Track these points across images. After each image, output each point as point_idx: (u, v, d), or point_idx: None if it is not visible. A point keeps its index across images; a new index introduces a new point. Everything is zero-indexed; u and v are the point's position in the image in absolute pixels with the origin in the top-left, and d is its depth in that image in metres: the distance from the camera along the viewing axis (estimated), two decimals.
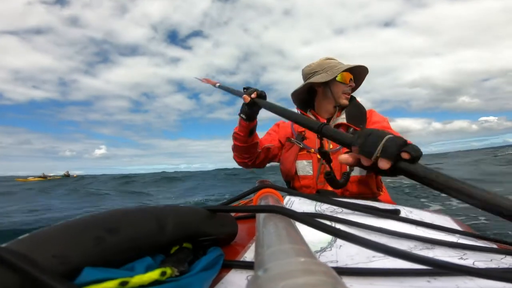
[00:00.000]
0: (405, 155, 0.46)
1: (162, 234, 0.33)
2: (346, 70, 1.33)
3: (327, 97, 1.37)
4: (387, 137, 0.48)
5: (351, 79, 1.34)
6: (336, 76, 1.31)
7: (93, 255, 0.25)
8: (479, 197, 0.40)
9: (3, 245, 0.22)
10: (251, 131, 1.23)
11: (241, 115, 1.16)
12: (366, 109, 1.37)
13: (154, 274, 0.26)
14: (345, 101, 1.35)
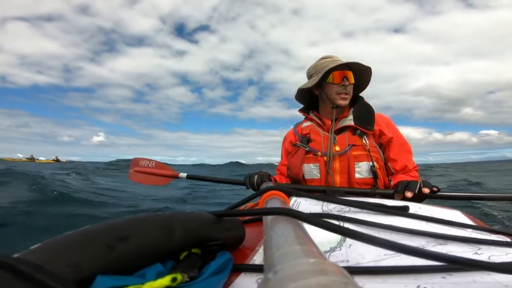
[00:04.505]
0: (425, 190, 1.04)
1: (171, 241, 0.33)
2: (332, 69, 1.24)
3: (323, 99, 1.34)
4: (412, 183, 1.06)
5: (344, 77, 1.24)
6: (327, 78, 1.26)
7: (104, 263, 0.26)
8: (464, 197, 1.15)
9: (16, 255, 0.23)
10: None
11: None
12: (387, 115, 1.35)
13: (165, 281, 0.26)
14: (341, 102, 1.27)
